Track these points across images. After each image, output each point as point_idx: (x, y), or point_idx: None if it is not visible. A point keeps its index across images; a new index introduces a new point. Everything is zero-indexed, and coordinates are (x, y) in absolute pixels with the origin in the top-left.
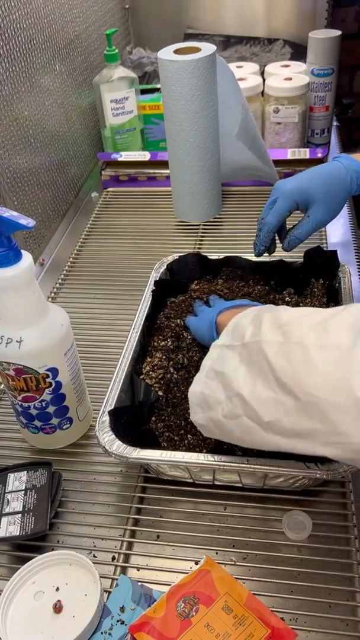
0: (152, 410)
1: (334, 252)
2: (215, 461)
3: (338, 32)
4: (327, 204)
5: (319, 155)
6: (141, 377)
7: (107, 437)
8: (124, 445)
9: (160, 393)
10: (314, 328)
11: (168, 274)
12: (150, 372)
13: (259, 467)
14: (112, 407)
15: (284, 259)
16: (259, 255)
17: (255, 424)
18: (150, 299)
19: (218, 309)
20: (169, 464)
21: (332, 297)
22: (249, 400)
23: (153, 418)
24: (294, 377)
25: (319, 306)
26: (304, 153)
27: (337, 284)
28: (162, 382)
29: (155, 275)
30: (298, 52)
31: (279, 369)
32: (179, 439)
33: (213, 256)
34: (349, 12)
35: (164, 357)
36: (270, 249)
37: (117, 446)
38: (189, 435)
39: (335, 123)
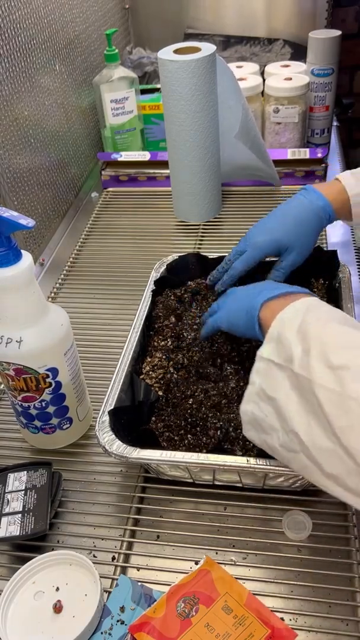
0: (152, 410)
1: (334, 252)
2: (215, 461)
3: (338, 32)
4: (301, 250)
5: (319, 155)
6: (141, 377)
7: (107, 437)
8: (124, 445)
9: (160, 393)
10: None
11: (168, 274)
12: (150, 372)
13: (259, 466)
14: (112, 407)
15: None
16: (211, 286)
17: (315, 467)
18: (150, 298)
19: (262, 296)
20: (169, 464)
21: (332, 297)
22: (307, 444)
23: (153, 418)
24: (356, 444)
25: None
26: (304, 153)
27: (337, 284)
28: (162, 382)
29: (155, 275)
30: (298, 52)
31: (337, 426)
32: (179, 439)
33: (213, 256)
34: (349, 12)
35: (164, 357)
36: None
37: (117, 446)
38: (189, 435)
39: (335, 123)
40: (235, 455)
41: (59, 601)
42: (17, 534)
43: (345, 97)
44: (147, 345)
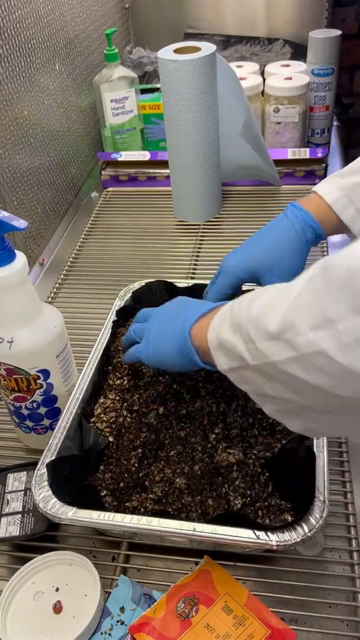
0: (102, 459)
1: None
2: (157, 527)
3: (338, 32)
4: (281, 271)
5: (319, 155)
6: (92, 420)
7: (43, 494)
8: (60, 503)
9: (110, 439)
10: (311, 322)
11: (133, 302)
12: (102, 415)
13: (206, 535)
14: (53, 458)
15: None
16: None
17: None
18: (111, 330)
19: (189, 321)
20: (106, 527)
21: None
22: (334, 412)
23: (102, 467)
24: (353, 390)
25: None
26: (304, 153)
27: None
28: (113, 426)
29: (119, 303)
30: (298, 51)
31: (328, 386)
32: (125, 495)
33: (181, 284)
34: (349, 12)
35: (117, 397)
36: None
37: (52, 505)
38: (138, 488)
39: (335, 123)
40: (181, 519)
41: (58, 601)
42: (17, 534)
43: (346, 97)
44: (101, 384)
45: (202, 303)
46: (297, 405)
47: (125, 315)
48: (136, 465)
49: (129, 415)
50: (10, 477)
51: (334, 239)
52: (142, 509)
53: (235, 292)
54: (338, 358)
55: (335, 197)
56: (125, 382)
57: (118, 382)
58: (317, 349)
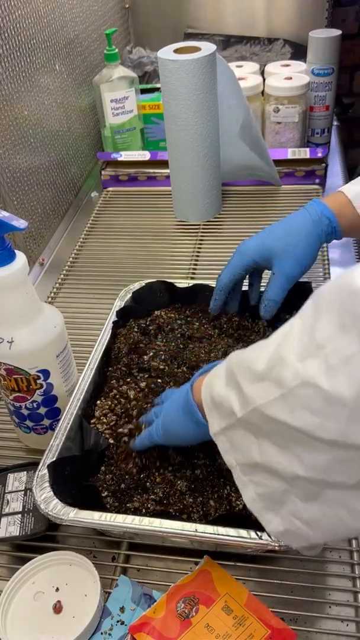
0: (103, 460)
1: (309, 284)
2: (158, 528)
3: (338, 32)
4: (292, 257)
5: (319, 154)
6: (92, 421)
7: (44, 495)
8: (61, 504)
9: (111, 441)
10: (300, 352)
11: (133, 302)
12: (102, 418)
13: (208, 536)
14: (54, 459)
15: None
16: (212, 312)
17: (344, 490)
18: (111, 331)
19: (187, 384)
20: (107, 528)
21: None
22: (320, 477)
23: (103, 468)
24: (336, 429)
25: None
26: (304, 153)
27: None
28: (113, 428)
29: (119, 303)
30: (298, 51)
31: (312, 428)
32: (127, 496)
33: (181, 284)
34: (349, 12)
35: (117, 400)
36: (228, 307)
37: (54, 505)
38: (139, 489)
39: (335, 123)
40: (183, 520)
41: (58, 601)
42: (17, 534)
43: (346, 97)
44: (102, 385)
45: (204, 367)
46: (283, 483)
47: (125, 316)
48: (136, 468)
49: (129, 420)
50: (10, 477)
51: (334, 254)
52: (144, 510)
53: (247, 273)
54: (324, 385)
55: (356, 192)
56: (122, 383)
57: (119, 383)
58: (304, 379)
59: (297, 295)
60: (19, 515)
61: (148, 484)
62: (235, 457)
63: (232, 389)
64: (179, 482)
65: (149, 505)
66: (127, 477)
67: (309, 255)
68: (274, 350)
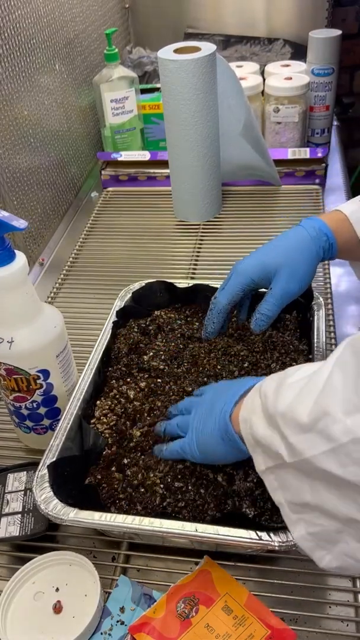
0: (101, 459)
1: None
2: (160, 527)
3: (338, 32)
4: (290, 273)
5: (319, 154)
6: (92, 421)
7: (44, 495)
8: (61, 504)
9: (110, 441)
10: (347, 407)
11: (133, 302)
12: (102, 418)
13: (208, 536)
14: (54, 459)
15: (258, 291)
16: (208, 337)
17: None
18: (111, 331)
19: (228, 406)
20: (107, 528)
21: (305, 330)
22: None
23: (101, 466)
24: None
25: (292, 340)
26: (304, 153)
27: (310, 317)
28: (114, 428)
29: (119, 303)
30: (298, 51)
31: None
32: (126, 496)
33: (181, 284)
34: (349, 11)
35: (116, 400)
36: (223, 329)
37: (54, 505)
38: (136, 491)
39: (335, 123)
40: (183, 520)
41: (58, 601)
42: (17, 534)
43: (346, 97)
44: (102, 385)
45: (239, 384)
46: (336, 523)
47: (125, 316)
48: (134, 469)
49: (129, 421)
50: (10, 477)
51: (336, 272)
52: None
53: (246, 294)
54: None
55: (353, 209)
56: (122, 383)
57: (119, 383)
58: (354, 436)
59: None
60: (19, 515)
61: (149, 482)
62: (284, 496)
63: (275, 433)
64: (177, 483)
65: (149, 505)
66: (127, 478)
67: (308, 273)
68: (314, 401)
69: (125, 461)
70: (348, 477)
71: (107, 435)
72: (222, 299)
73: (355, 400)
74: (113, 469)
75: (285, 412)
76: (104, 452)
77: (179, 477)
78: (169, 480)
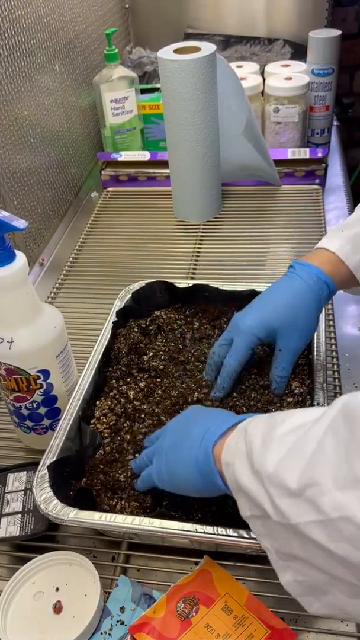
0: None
1: None
2: (160, 527)
3: (338, 32)
4: (297, 331)
5: (319, 155)
6: (92, 421)
7: (44, 495)
8: (61, 504)
9: (107, 439)
10: (338, 481)
11: (133, 302)
12: (102, 418)
13: (208, 536)
14: (54, 459)
15: (256, 289)
16: (217, 398)
17: None
18: (111, 331)
19: (210, 440)
20: (107, 528)
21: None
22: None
23: (101, 466)
24: None
25: None
26: (304, 153)
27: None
28: (112, 428)
29: (119, 303)
30: (298, 51)
31: (357, 561)
32: (122, 496)
33: (181, 284)
34: (349, 12)
35: (116, 400)
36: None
37: (54, 506)
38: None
39: (335, 123)
40: (182, 520)
41: (58, 601)
42: (17, 534)
43: (346, 97)
44: (102, 385)
45: (220, 415)
46: (326, 577)
47: (125, 316)
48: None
49: (128, 420)
50: (10, 477)
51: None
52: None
53: (253, 352)
54: None
55: (338, 245)
56: (122, 383)
57: (119, 383)
58: (345, 513)
59: None
60: (19, 515)
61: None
62: (271, 544)
63: (261, 489)
64: None
65: (146, 504)
66: (127, 479)
67: (312, 326)
68: (304, 467)
69: (124, 461)
70: (338, 551)
71: (106, 435)
72: (232, 362)
73: (346, 472)
74: (112, 469)
75: (272, 473)
76: (103, 452)
77: None
78: None
